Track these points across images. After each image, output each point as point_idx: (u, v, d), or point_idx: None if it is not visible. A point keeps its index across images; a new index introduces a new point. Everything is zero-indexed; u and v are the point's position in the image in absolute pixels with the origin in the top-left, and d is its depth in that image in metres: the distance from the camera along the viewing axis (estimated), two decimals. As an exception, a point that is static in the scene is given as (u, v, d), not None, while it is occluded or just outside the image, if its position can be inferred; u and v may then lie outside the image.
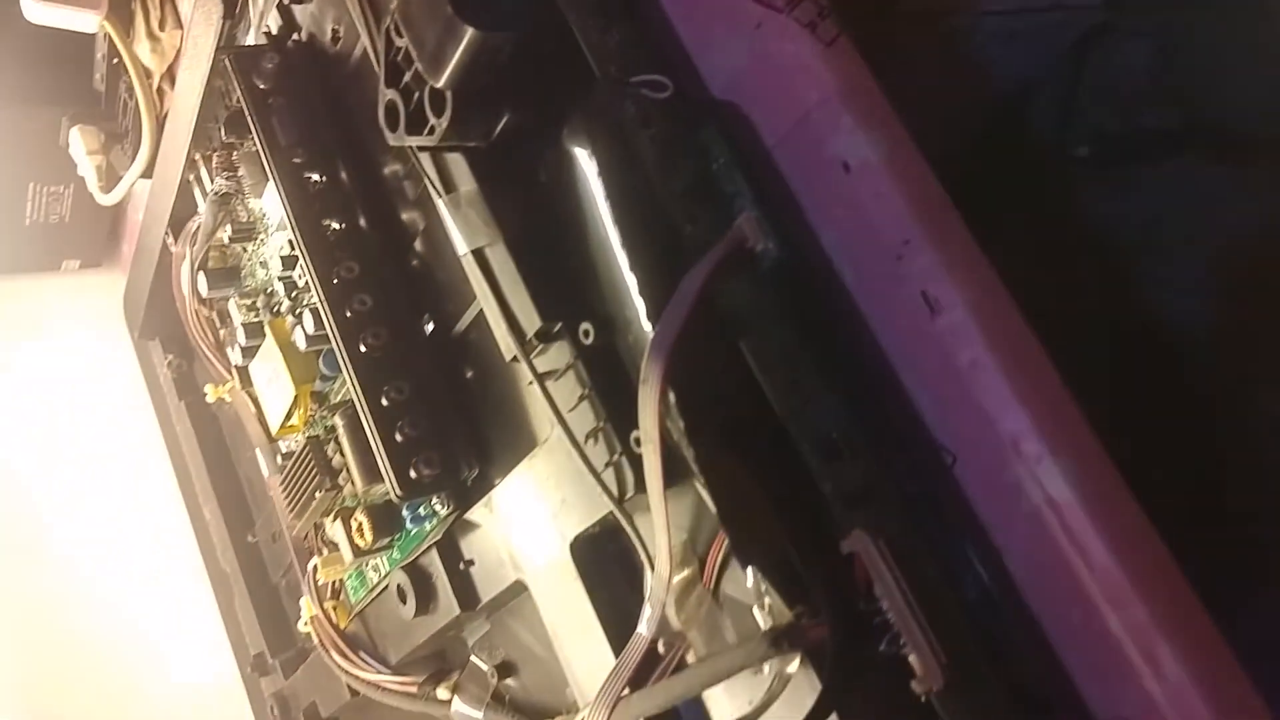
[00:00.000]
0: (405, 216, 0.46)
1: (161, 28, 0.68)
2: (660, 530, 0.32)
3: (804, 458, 0.30)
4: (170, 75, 0.78)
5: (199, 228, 0.60)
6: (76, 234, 0.96)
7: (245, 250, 0.58)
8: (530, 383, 0.37)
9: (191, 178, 0.60)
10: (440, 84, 0.33)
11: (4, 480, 0.87)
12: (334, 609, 0.56)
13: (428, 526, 0.46)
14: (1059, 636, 0.28)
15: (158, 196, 0.67)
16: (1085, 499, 0.28)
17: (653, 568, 0.33)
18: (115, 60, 0.78)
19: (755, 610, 0.32)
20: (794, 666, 0.30)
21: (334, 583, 0.56)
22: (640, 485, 0.33)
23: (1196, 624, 0.27)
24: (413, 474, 0.43)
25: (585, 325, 0.34)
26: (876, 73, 0.32)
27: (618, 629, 0.37)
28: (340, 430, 0.46)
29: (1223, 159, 0.52)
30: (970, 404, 0.29)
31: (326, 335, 0.46)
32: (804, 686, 0.30)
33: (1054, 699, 0.28)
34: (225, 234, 0.58)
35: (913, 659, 0.28)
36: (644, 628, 0.34)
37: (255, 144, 0.51)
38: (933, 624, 0.28)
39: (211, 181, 0.57)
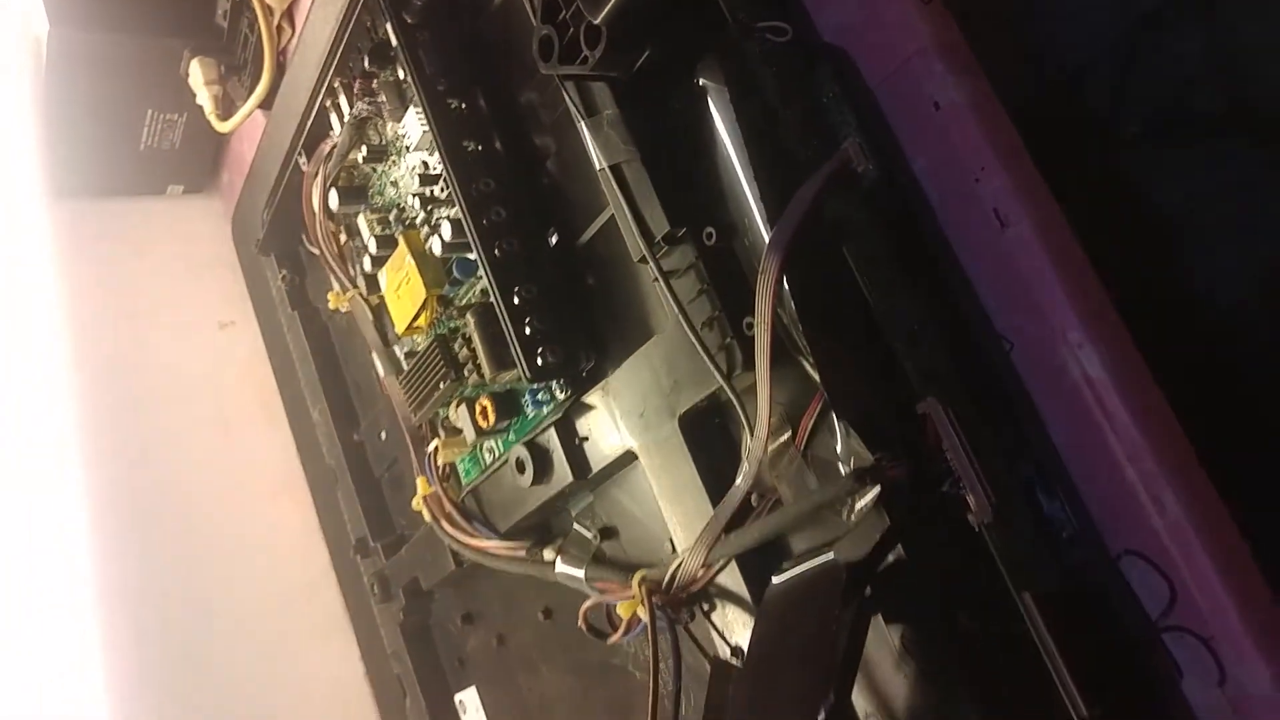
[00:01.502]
0: (537, 141, 0.54)
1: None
2: (763, 399, 0.39)
3: (890, 341, 0.37)
4: (289, 14, 0.86)
5: (334, 149, 0.67)
6: (184, 160, 1.03)
7: (375, 170, 0.66)
8: (654, 280, 0.44)
9: (328, 103, 0.67)
10: (598, 20, 0.40)
11: (105, 385, 0.94)
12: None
13: (545, 410, 0.53)
14: (1085, 484, 0.35)
15: (280, 123, 0.75)
16: (1115, 377, 0.35)
17: (752, 432, 0.41)
18: (239, -2, 0.86)
19: (840, 466, 0.39)
20: (868, 502, 0.37)
21: (444, 468, 0.64)
22: (747, 364, 0.41)
23: (1195, 478, 0.34)
24: (539, 361, 0.50)
25: (709, 229, 0.42)
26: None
27: (716, 488, 0.45)
28: (471, 326, 0.54)
29: (1267, 145, 0.57)
30: (1028, 301, 0.36)
31: (463, 243, 0.54)
32: (875, 525, 0.37)
33: (1078, 533, 0.36)
34: (359, 155, 0.65)
35: (969, 498, 0.35)
36: (741, 481, 0.42)
37: (400, 73, 0.58)
38: (985, 471, 0.35)
39: (350, 107, 0.64)
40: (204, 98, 0.90)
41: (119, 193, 1.04)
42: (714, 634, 0.46)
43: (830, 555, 0.37)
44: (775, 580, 0.40)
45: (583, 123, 0.45)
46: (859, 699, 0.41)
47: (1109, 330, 0.36)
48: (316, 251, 0.72)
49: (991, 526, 0.35)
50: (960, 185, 0.37)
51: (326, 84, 0.65)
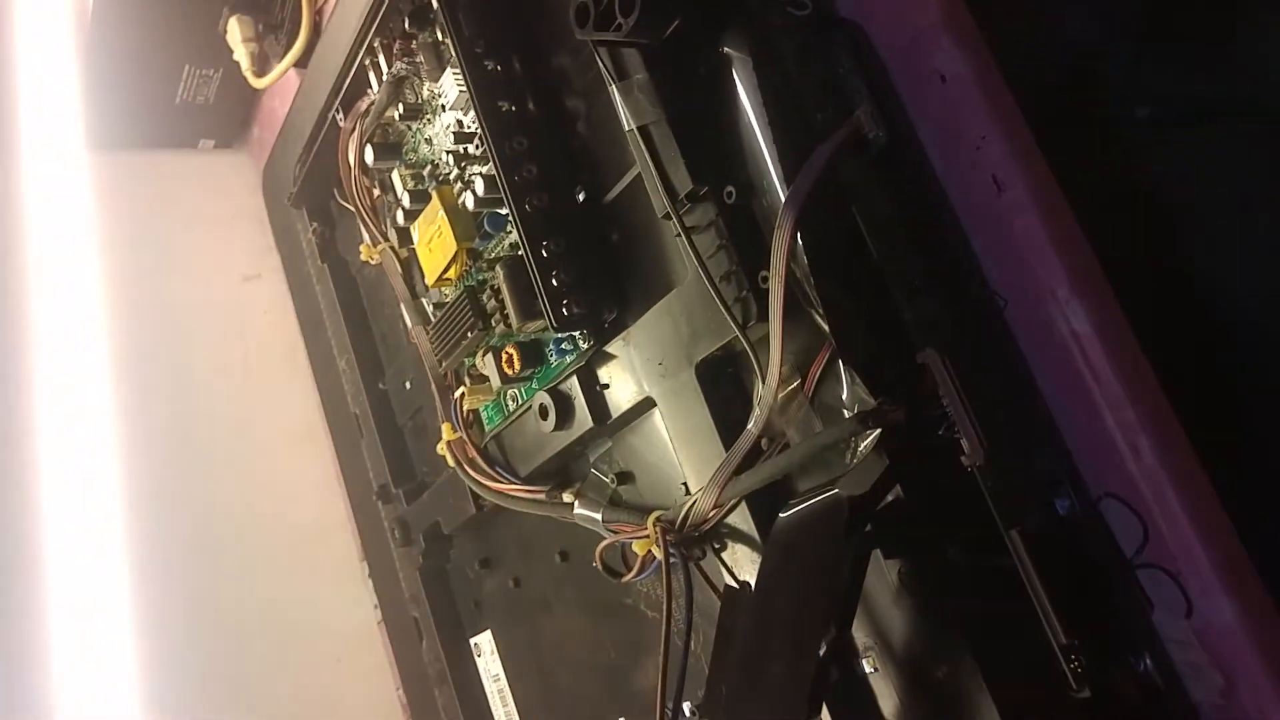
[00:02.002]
0: (568, 102, 0.57)
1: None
2: (775, 348, 0.42)
3: (893, 295, 0.40)
4: (328, -26, 0.88)
5: (370, 106, 0.70)
6: (217, 116, 1.07)
7: (410, 128, 0.69)
8: (676, 235, 0.47)
9: (367, 62, 0.69)
10: (633, -10, 0.43)
11: (133, 332, 0.98)
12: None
13: (569, 359, 0.57)
14: (1069, 431, 0.39)
15: (316, 80, 0.77)
16: (1099, 332, 0.38)
17: (764, 379, 0.44)
18: (278, -44, 0.88)
19: (844, 413, 0.42)
20: (870, 444, 0.40)
21: (468, 415, 0.68)
22: (761, 315, 0.44)
23: (1170, 428, 0.37)
24: (565, 312, 0.53)
25: (729, 188, 0.45)
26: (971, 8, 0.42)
27: (729, 433, 0.48)
28: (501, 277, 0.57)
29: (1275, 134, 0.59)
30: (1021, 260, 0.39)
31: (495, 199, 0.57)
32: (875, 465, 0.41)
33: (1061, 477, 0.39)
34: (395, 113, 0.68)
35: (963, 442, 0.38)
36: (753, 425, 0.45)
37: (439, 35, 0.61)
38: (979, 416, 0.38)
39: (389, 66, 0.67)
40: (241, 54, 0.93)
41: (152, 145, 1.07)
42: (724, 571, 0.50)
43: (835, 490, 0.40)
44: (782, 515, 0.43)
45: (614, 86, 0.48)
46: (859, 632, 0.44)
47: (1095, 289, 0.39)
48: (350, 206, 0.75)
49: (983, 469, 0.38)
50: (962, 152, 0.40)
51: (366, 44, 0.68)
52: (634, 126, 0.47)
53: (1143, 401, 0.37)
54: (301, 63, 0.87)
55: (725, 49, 0.44)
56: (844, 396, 0.43)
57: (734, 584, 0.49)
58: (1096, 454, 0.38)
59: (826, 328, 0.41)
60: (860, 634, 0.44)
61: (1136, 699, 0.38)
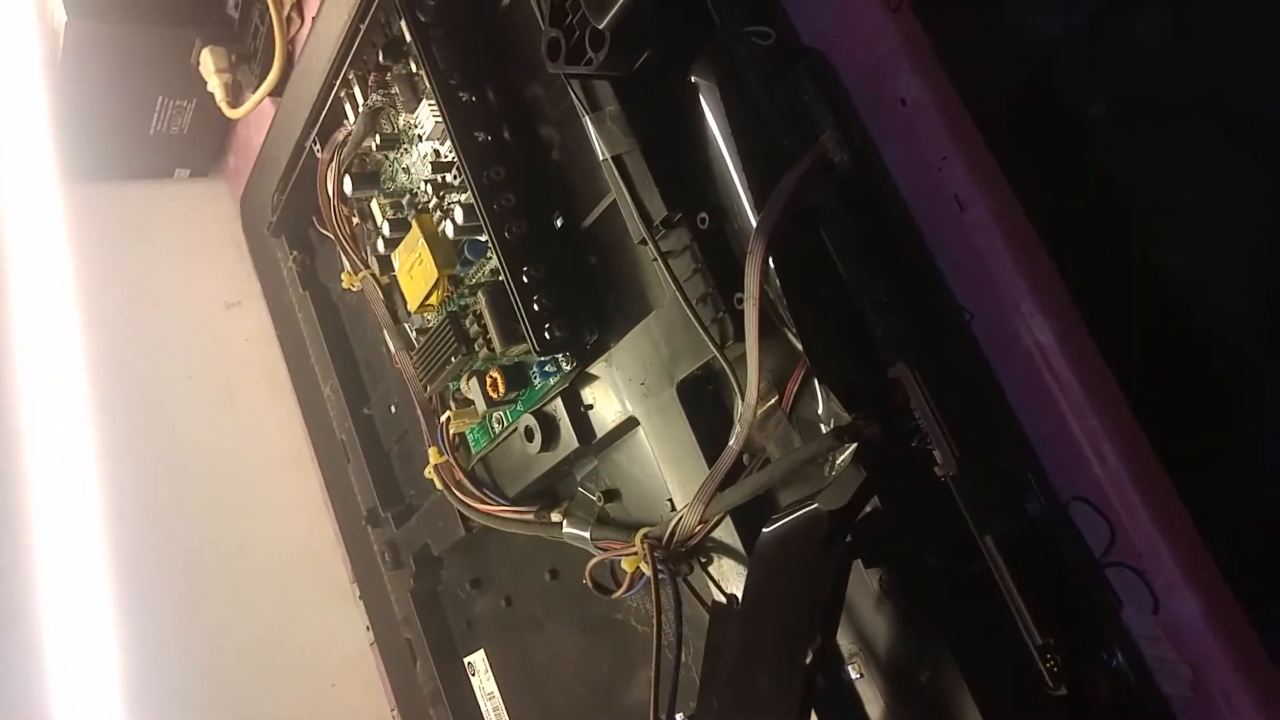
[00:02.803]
0: (542, 132, 0.58)
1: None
2: (752, 367, 0.44)
3: (863, 313, 0.42)
4: (299, 5, 0.90)
5: (348, 137, 0.71)
6: (192, 145, 1.07)
7: (387, 158, 0.70)
8: (654, 259, 0.48)
9: (343, 94, 0.71)
10: (602, 25, 0.44)
11: (115, 362, 0.98)
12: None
13: (552, 381, 0.58)
14: (1037, 439, 0.40)
15: (291, 110, 0.78)
16: (1062, 343, 0.39)
17: (743, 397, 0.45)
18: (251, -11, 0.89)
19: (821, 427, 0.44)
20: (847, 458, 0.41)
21: (454, 439, 0.69)
22: (738, 334, 0.45)
23: (1132, 433, 0.39)
24: (547, 335, 0.55)
25: (702, 214, 0.46)
26: (929, 31, 0.43)
27: (711, 449, 0.49)
28: (482, 303, 0.58)
29: (1229, 133, 0.60)
30: (985, 275, 0.41)
31: (474, 226, 0.58)
32: (853, 477, 0.42)
33: (1031, 483, 0.40)
34: (372, 143, 0.69)
35: (936, 453, 0.40)
36: (734, 442, 0.46)
37: (414, 67, 0.62)
38: (950, 427, 0.40)
39: (365, 98, 0.68)
40: (215, 85, 0.94)
41: (128, 176, 1.08)
42: (711, 585, 0.51)
43: (814, 505, 0.42)
44: (765, 530, 0.44)
45: (587, 117, 0.49)
46: (843, 639, 0.46)
47: (1057, 301, 0.40)
48: (330, 234, 0.76)
49: (956, 478, 0.40)
50: (924, 173, 0.41)
51: (342, 76, 0.69)
52: (608, 156, 0.48)
53: (1105, 408, 0.39)
54: (276, 91, 0.88)
55: (694, 78, 0.46)
56: (820, 411, 0.44)
57: (721, 598, 0.50)
58: (1063, 460, 0.40)
59: (800, 346, 0.42)
60: (845, 641, 0.46)
61: (1110, 695, 0.39)
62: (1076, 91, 0.63)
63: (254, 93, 0.90)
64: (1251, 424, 0.53)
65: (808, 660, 0.42)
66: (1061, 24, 0.63)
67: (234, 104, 0.95)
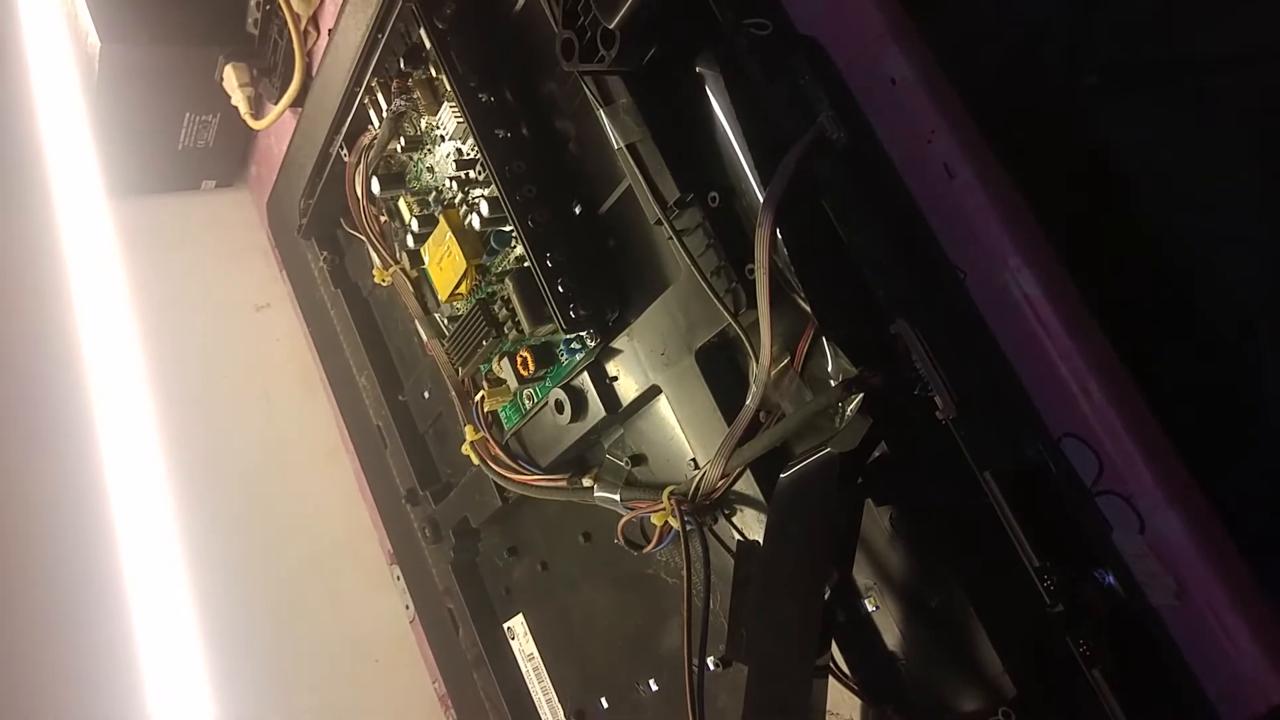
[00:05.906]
0: (559, 126, 0.62)
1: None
2: (765, 331, 0.48)
3: (865, 275, 0.46)
4: (315, 19, 0.94)
5: (374, 140, 0.76)
6: (217, 157, 1.12)
7: (412, 158, 0.74)
8: (669, 238, 0.52)
9: (366, 100, 0.75)
10: (613, 25, 0.48)
11: (158, 367, 1.03)
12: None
13: (578, 357, 0.62)
14: (1029, 381, 0.44)
15: (314, 119, 0.82)
16: (1048, 294, 0.43)
17: (758, 359, 0.49)
18: (268, 6, 0.94)
19: (831, 382, 0.48)
20: (855, 407, 0.46)
21: (488, 416, 0.73)
22: (750, 302, 0.49)
23: (1116, 371, 0.43)
24: (572, 315, 0.59)
25: (713, 193, 0.50)
26: (916, 14, 0.47)
27: (729, 410, 0.53)
28: (510, 288, 0.62)
29: (1220, 95, 0.63)
30: (974, 236, 0.45)
31: (499, 218, 0.63)
32: (861, 424, 0.46)
33: (1025, 422, 0.44)
34: (397, 145, 0.73)
35: (936, 398, 0.44)
36: (751, 401, 0.50)
37: (434, 71, 0.67)
38: (948, 375, 0.44)
39: (389, 103, 0.72)
40: (238, 99, 0.99)
41: (159, 190, 1.12)
42: (735, 534, 0.55)
43: (827, 449, 0.46)
44: (783, 476, 0.49)
45: (601, 110, 0.53)
46: (860, 574, 0.50)
47: (1042, 256, 0.44)
48: (359, 233, 0.80)
49: (955, 420, 0.44)
50: (915, 145, 0.46)
51: (365, 84, 0.73)
52: (622, 145, 0.53)
53: (1089, 350, 0.43)
54: (297, 102, 0.92)
55: (699, 69, 0.50)
56: (829, 368, 0.48)
57: (745, 542, 0.55)
58: (1053, 399, 0.44)
59: (809, 309, 0.46)
60: (861, 577, 0.50)
61: (1103, 609, 0.43)
62: (1068, 63, 0.66)
63: (276, 104, 0.95)
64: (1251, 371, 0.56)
65: (827, 594, 0.46)
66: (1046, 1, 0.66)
67: (257, 116, 1.00)
